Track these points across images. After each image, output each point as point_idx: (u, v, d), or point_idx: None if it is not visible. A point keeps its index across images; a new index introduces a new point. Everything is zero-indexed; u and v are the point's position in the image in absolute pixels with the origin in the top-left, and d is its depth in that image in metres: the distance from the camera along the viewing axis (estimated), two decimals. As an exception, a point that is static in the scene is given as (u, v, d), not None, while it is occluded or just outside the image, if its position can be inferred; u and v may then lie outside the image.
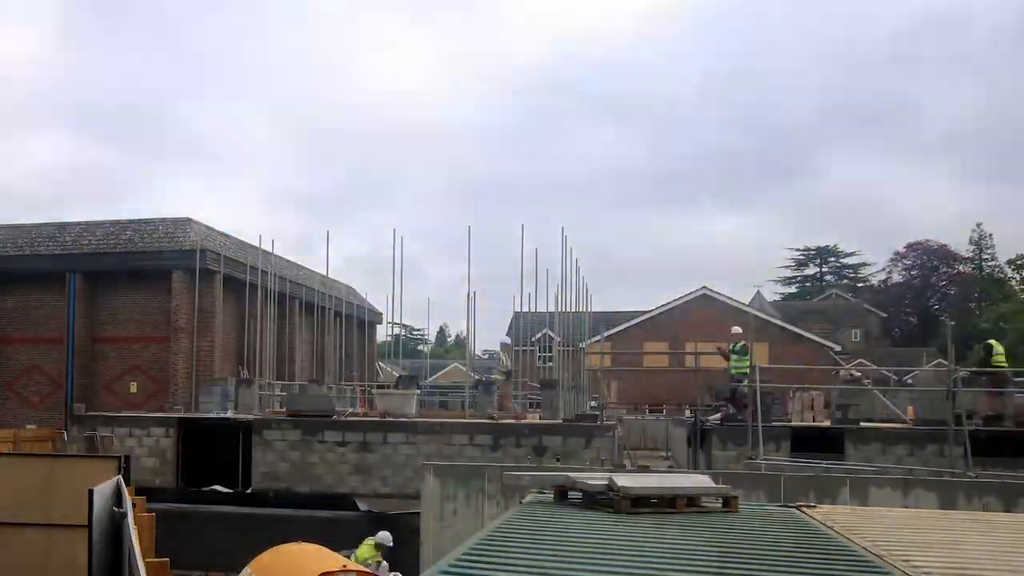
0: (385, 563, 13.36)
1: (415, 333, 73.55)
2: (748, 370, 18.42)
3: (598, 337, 32.17)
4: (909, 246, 78.41)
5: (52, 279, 28.68)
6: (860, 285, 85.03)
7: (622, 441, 21.62)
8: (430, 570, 4.50)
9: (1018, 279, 72.33)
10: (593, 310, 36.12)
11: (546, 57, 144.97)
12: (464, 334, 27.17)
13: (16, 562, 12.05)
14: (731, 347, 19.59)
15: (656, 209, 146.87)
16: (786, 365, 31.01)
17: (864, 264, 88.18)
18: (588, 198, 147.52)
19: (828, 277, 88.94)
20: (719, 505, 6.75)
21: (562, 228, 24.63)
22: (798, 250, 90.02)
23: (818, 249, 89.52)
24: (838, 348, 46.19)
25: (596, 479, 7.05)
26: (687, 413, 23.30)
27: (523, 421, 20.48)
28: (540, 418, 21.13)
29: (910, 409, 19.70)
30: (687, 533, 5.62)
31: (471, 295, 24.94)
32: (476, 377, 30.57)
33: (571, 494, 7.08)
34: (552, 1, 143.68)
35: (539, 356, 32.39)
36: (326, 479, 19.15)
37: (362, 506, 18.60)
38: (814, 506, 7.39)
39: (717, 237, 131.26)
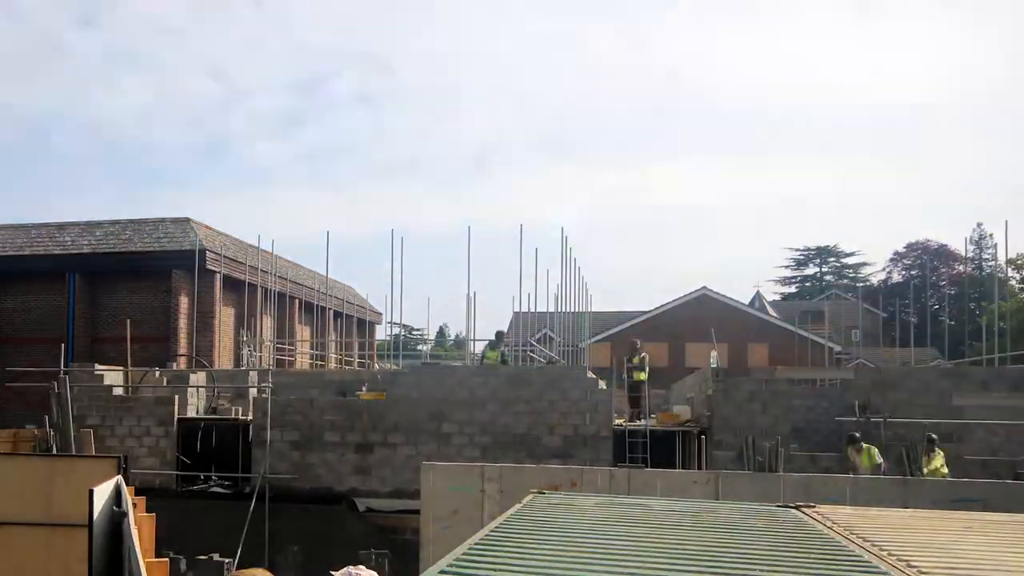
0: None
1: (415, 333, 73.50)
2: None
3: (597, 337, 32.20)
4: (909, 246, 78.53)
5: (52, 279, 28.70)
6: (860, 285, 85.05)
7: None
8: (430, 570, 4.49)
9: (1018, 278, 72.33)
10: (592, 309, 36.16)
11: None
12: (463, 334, 27.09)
13: (16, 562, 12.06)
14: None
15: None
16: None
17: (864, 264, 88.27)
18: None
19: (828, 277, 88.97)
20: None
21: (562, 228, 24.67)
22: (798, 250, 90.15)
23: (818, 249, 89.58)
24: (838, 348, 46.19)
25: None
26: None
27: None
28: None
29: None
30: (687, 533, 5.63)
31: (471, 295, 24.94)
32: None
33: (570, 493, 7.08)
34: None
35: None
36: (326, 479, 19.16)
37: (362, 506, 18.62)
38: (813, 506, 7.39)
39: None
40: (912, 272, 77.37)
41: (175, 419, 20.19)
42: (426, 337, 62.30)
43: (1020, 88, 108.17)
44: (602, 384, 20.58)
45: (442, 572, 4.32)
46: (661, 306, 46.84)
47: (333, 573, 9.73)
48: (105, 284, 29.01)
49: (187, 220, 29.97)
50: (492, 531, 5.59)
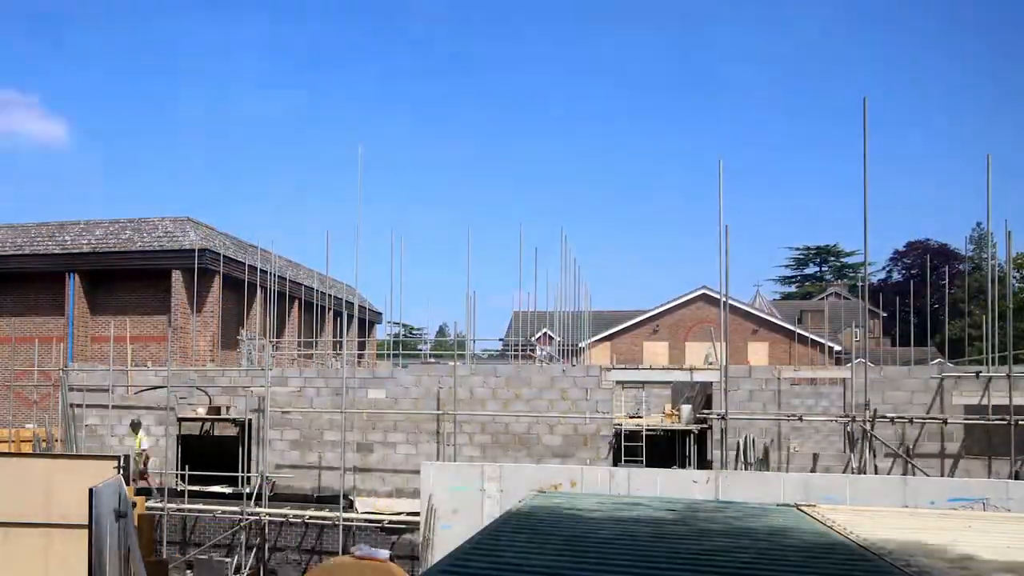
0: None
1: (415, 332, 73.49)
2: None
3: (597, 336, 32.23)
4: (909, 245, 78.50)
5: (52, 279, 28.71)
6: (860, 284, 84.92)
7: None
8: (430, 569, 4.50)
9: (1018, 277, 72.26)
10: (593, 309, 36.20)
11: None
12: (463, 333, 27.05)
13: (16, 562, 12.06)
14: None
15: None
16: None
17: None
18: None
19: (828, 277, 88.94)
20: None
21: (561, 228, 24.60)
22: (798, 249, 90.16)
23: (818, 248, 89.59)
24: (839, 348, 46.17)
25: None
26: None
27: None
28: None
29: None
30: (688, 532, 5.63)
31: (471, 295, 24.91)
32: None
33: (570, 492, 7.09)
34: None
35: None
36: (326, 478, 19.16)
37: (362, 506, 18.61)
38: (814, 505, 7.39)
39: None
40: (912, 272, 77.41)
41: (176, 419, 20.20)
42: (426, 336, 62.33)
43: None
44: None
45: (443, 572, 4.33)
46: (660, 305, 46.83)
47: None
48: (105, 284, 29.02)
49: (187, 220, 29.97)
50: (492, 531, 5.60)
